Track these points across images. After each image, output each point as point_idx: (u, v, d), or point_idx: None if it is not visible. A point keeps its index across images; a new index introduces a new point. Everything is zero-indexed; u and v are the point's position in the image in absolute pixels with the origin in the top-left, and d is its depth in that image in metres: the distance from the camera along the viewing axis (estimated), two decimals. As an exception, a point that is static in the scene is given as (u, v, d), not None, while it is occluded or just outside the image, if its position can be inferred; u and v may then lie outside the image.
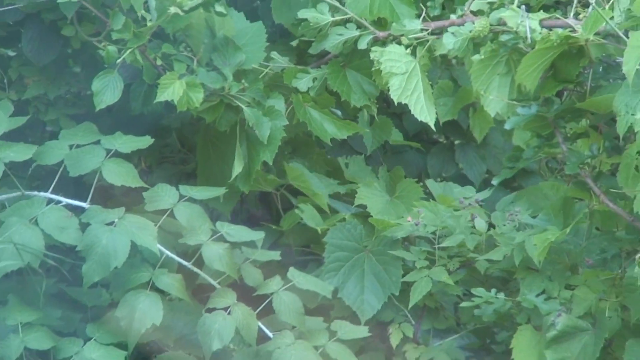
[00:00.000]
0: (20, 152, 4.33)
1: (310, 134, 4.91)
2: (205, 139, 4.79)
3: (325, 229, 4.76)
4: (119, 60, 4.28)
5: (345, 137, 4.88)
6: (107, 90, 4.31)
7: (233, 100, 4.45)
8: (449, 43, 4.20)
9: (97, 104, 4.31)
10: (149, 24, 4.24)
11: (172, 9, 4.20)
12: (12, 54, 4.88)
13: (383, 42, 4.38)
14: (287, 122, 4.58)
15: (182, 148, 5.21)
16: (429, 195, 4.99)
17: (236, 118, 4.51)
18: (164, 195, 4.40)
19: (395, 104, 4.29)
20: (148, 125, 4.64)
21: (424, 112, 4.28)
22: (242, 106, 4.43)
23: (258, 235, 4.43)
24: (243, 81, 4.47)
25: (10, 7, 4.47)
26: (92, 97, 4.32)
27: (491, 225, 4.69)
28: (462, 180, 5.39)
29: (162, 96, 4.25)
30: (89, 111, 4.59)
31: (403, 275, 4.64)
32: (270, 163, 4.60)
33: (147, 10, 4.22)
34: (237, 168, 4.53)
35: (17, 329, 4.19)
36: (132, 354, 4.21)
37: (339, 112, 4.89)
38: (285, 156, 5.00)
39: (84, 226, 4.21)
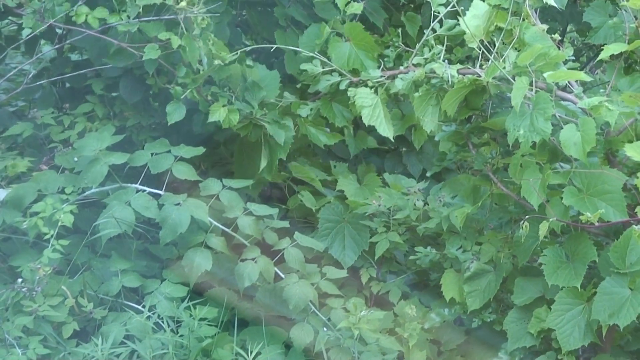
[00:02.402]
0: (119, 158, 4.28)
1: (310, 145, 4.83)
2: (240, 146, 4.71)
3: (318, 207, 4.70)
4: (182, 97, 4.23)
5: (332, 146, 4.84)
6: (175, 112, 4.25)
7: (258, 121, 4.39)
8: (399, 85, 4.14)
9: (169, 120, 4.24)
10: (202, 73, 4.18)
11: (217, 61, 4.16)
12: (114, 94, 4.82)
13: (356, 85, 4.30)
14: (295, 134, 4.52)
15: (226, 155, 5.13)
16: (385, 184, 4.92)
17: (261, 132, 4.44)
18: (213, 185, 4.34)
19: (366, 125, 4.23)
20: (204, 141, 4.56)
21: (385, 130, 4.22)
22: (265, 124, 4.38)
23: (274, 211, 4.37)
24: (265, 109, 4.43)
25: (113, 67, 4.41)
26: (166, 125, 4.28)
27: (426, 204, 4.65)
28: (407, 175, 5.28)
29: (212, 118, 4.21)
30: (165, 134, 4.52)
31: (370, 237, 4.58)
32: (284, 159, 4.56)
33: (201, 64, 4.17)
34: (263, 163, 4.48)
35: (117, 274, 4.19)
36: (192, 289, 4.18)
37: (327, 130, 4.84)
38: (294, 159, 4.94)
39: (160, 206, 4.17)
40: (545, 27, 3.94)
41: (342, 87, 4.34)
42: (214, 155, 5.06)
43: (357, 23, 4.51)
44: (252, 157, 4.58)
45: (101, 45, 4.38)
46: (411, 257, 4.53)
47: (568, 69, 3.83)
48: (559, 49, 3.86)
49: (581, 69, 3.75)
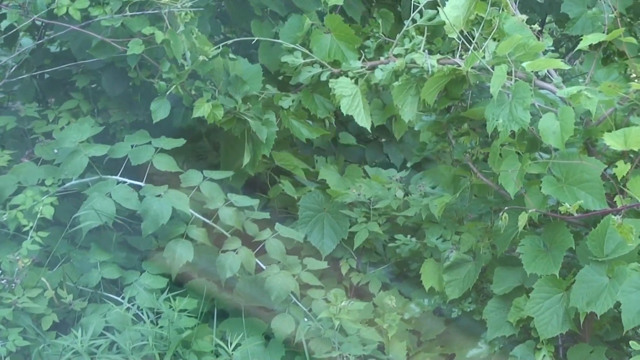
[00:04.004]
0: (99, 150, 4.24)
1: (291, 136, 4.78)
2: (227, 138, 4.66)
3: (299, 197, 4.67)
4: (167, 92, 4.18)
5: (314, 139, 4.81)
6: (160, 110, 4.21)
7: (242, 116, 4.35)
8: (379, 75, 4.13)
9: (154, 118, 4.22)
10: (186, 68, 4.15)
11: (201, 58, 4.13)
12: (95, 86, 4.73)
13: (337, 76, 4.26)
14: (278, 129, 4.49)
15: (209, 148, 5.05)
16: (366, 175, 4.87)
17: (244, 127, 4.40)
18: (193, 176, 4.31)
19: (344, 115, 4.21)
20: (185, 135, 4.50)
21: (363, 120, 4.21)
22: (248, 119, 4.34)
23: (255, 202, 4.34)
24: (248, 103, 4.38)
25: (95, 60, 4.33)
26: (147, 120, 4.25)
27: (407, 194, 4.62)
28: (388, 165, 5.27)
29: (197, 113, 4.18)
30: (147, 127, 4.46)
31: (349, 227, 4.55)
32: (268, 156, 4.55)
33: (185, 59, 4.13)
34: (246, 158, 4.45)
35: (96, 265, 4.14)
36: (172, 281, 4.14)
37: (310, 122, 4.77)
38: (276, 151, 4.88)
39: (141, 197, 4.13)
40: (524, 17, 3.91)
41: (324, 78, 4.32)
42: (196, 149, 5.01)
43: (337, 15, 4.46)
44: (238, 148, 4.53)
45: (83, 38, 4.32)
46: (390, 245, 4.53)
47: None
48: (539, 39, 3.82)
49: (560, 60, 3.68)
